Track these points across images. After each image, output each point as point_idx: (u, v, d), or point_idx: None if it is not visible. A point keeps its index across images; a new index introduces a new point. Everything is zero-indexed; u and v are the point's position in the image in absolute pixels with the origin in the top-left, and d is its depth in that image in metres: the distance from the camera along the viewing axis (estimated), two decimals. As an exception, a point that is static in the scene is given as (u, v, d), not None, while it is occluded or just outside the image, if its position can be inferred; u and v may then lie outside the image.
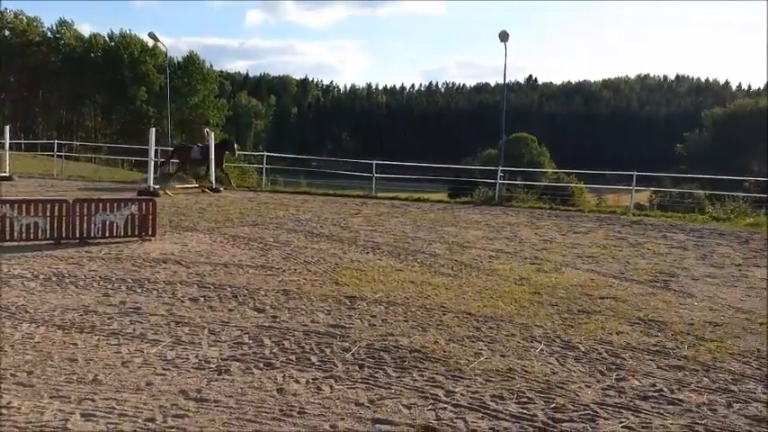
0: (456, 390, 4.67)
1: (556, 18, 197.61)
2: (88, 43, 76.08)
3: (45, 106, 76.29)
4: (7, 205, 9.96)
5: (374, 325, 6.23)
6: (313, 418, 4.14)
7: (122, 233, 10.46)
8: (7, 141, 23.17)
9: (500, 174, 20.24)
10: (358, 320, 6.34)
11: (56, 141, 27.24)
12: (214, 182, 19.64)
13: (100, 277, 7.83)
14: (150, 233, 10.64)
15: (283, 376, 4.82)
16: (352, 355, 5.33)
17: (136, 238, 10.50)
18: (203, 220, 12.89)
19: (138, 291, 7.27)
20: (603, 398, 4.64)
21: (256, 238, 10.97)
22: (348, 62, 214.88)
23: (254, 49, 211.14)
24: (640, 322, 6.65)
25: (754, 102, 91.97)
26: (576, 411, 4.38)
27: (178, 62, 75.63)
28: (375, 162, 21.77)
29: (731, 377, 5.15)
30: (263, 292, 7.30)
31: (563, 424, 4.18)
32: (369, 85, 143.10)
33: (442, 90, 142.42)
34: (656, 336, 6.20)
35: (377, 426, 4.06)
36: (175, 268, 8.48)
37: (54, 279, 7.68)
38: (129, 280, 7.74)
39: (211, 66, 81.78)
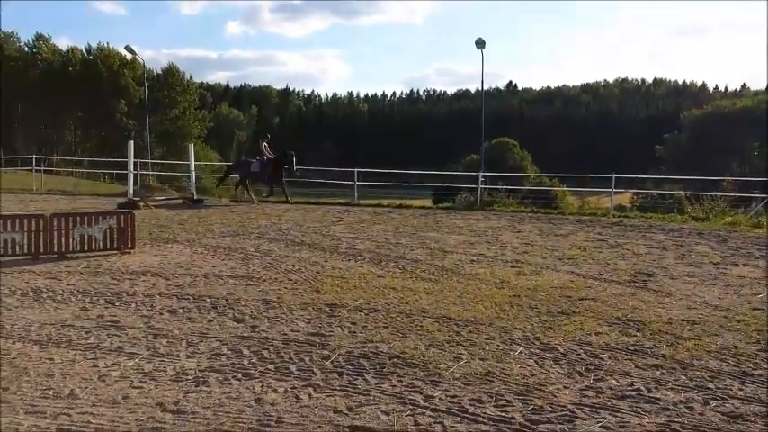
0: (435, 394, 4.68)
1: (532, 24, 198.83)
2: (66, 57, 75.48)
3: (24, 121, 75.46)
4: (-17, 221, 9.85)
5: (354, 332, 6.22)
6: (290, 427, 4.12)
7: (101, 246, 10.38)
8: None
9: (481, 179, 20.34)
10: (338, 328, 6.33)
11: (34, 156, 26.96)
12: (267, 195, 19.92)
13: (78, 291, 7.76)
14: (129, 246, 10.56)
15: (261, 386, 4.79)
16: (332, 362, 5.32)
17: (115, 252, 10.42)
18: (183, 232, 12.83)
19: (117, 304, 7.21)
20: (581, 398, 4.66)
21: (237, 249, 10.93)
22: (329, 71, 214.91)
23: (234, 59, 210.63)
24: (619, 322, 6.70)
25: (731, 102, 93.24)
26: (554, 412, 4.40)
27: (158, 74, 75.28)
28: (357, 170, 21.80)
29: (708, 375, 5.20)
30: (242, 302, 7.27)
31: (540, 425, 4.20)
32: (350, 94, 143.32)
33: (424, 97, 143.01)
34: (635, 335, 6.25)
35: (355, 432, 4.05)
36: (154, 280, 8.42)
37: (31, 294, 7.60)
38: (108, 293, 7.68)
39: (191, 77, 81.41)
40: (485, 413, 4.38)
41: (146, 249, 10.78)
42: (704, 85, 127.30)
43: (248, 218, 15.54)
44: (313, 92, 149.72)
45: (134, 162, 19.66)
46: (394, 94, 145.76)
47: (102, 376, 4.96)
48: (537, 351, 5.74)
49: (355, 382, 4.89)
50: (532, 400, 4.58)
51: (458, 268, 9.59)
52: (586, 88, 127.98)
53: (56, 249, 10.11)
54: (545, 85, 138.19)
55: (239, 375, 5.01)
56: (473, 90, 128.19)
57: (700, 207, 17.87)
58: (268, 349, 5.62)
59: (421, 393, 4.70)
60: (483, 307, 7.27)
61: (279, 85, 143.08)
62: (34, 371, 5.04)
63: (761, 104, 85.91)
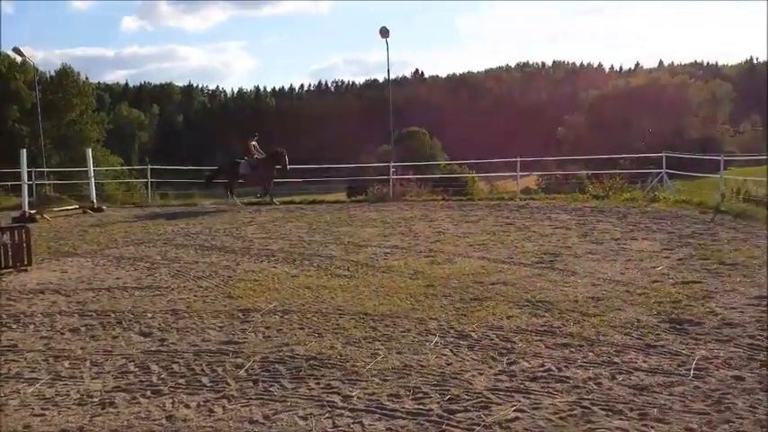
0: (353, 393, 4.65)
1: (435, 10, 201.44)
2: (-54, 62, 70.29)
3: None
4: None
5: (269, 337, 6.10)
6: (205, 442, 3.99)
7: (-6, 265, 9.72)
8: None
9: (392, 169, 20.48)
10: (252, 334, 6.19)
11: None
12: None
13: (-32, 316, 7.23)
14: (26, 262, 9.95)
15: (172, 402, 4.61)
16: (246, 371, 5.18)
17: (11, 270, 9.78)
18: (85, 243, 12.22)
19: (14, 326, 6.76)
20: (496, 383, 4.75)
21: (142, 258, 10.50)
22: (233, 65, 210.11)
23: (132, 57, 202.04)
24: (529, 304, 6.89)
25: (626, 81, 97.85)
26: (471, 400, 4.46)
27: (51, 76, 71.27)
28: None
29: (614, 349, 5.41)
30: (149, 315, 6.98)
31: (457, 415, 4.24)
32: (257, 88, 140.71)
33: (332, 89, 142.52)
34: (544, 316, 6.44)
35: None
36: (54, 298, 7.96)
37: None
38: (3, 316, 7.19)
39: (87, 78, 77.52)
40: (403, 408, 4.38)
41: (44, 265, 10.18)
42: (600, 65, 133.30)
43: (154, 224, 14.99)
44: (218, 87, 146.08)
45: (28, 172, 18.58)
46: (302, 86, 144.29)
47: (1, 406, 4.64)
48: (452, 340, 5.81)
49: (271, 389, 4.79)
50: (449, 390, 4.63)
51: (372, 262, 9.60)
52: (490, 73, 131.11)
53: (-58, 272, 9.40)
54: (451, 72, 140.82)
55: (148, 393, 4.80)
56: (381, 79, 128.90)
57: (600, 185, 18.69)
58: (178, 363, 5.42)
59: (339, 394, 4.65)
60: (398, 299, 7.30)
61: (181, 82, 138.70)
62: None
63: (654, 82, 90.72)
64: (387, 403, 4.47)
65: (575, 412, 4.22)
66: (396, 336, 5.97)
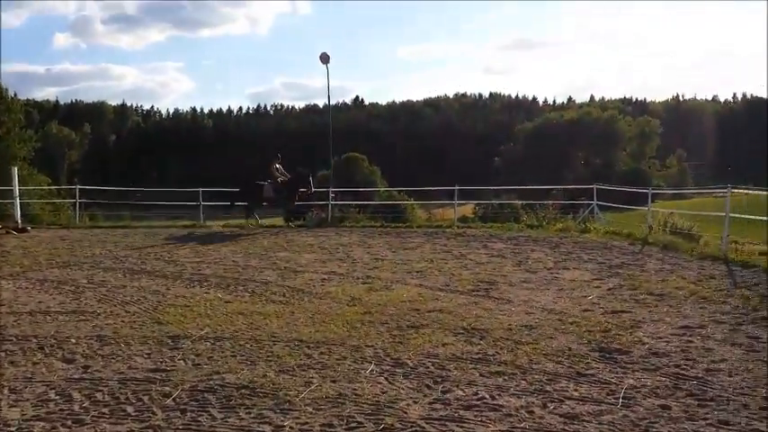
0: (285, 424, 4.53)
1: (375, 40, 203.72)
2: None
3: None
4: None
5: (199, 364, 5.91)
6: (127, 476, 3.80)
7: None
8: None
9: (331, 195, 20.43)
10: (181, 361, 5.99)
11: None
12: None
13: None
14: (-61, 285, 9.40)
15: (94, 433, 4.39)
16: (174, 399, 4.99)
17: None
18: (6, 265, 11.64)
19: None
20: (430, 412, 4.72)
21: (67, 281, 10.07)
22: (170, 86, 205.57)
23: (64, 74, 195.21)
24: (464, 332, 6.93)
25: (560, 115, 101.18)
26: (405, 429, 4.42)
27: (-24, 91, 68.37)
28: (201, 189, 21.05)
29: (546, 378, 5.48)
30: (73, 341, 6.67)
31: (391, 445, 4.19)
32: (193, 109, 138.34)
33: (271, 112, 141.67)
34: (479, 344, 6.48)
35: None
36: (-31, 323, 7.52)
37: None
38: None
39: (16, 94, 74.75)
40: (336, 438, 4.30)
41: (-40, 287, 9.64)
42: (535, 98, 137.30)
43: (81, 246, 14.43)
44: (153, 107, 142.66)
45: None
46: (240, 108, 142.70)
47: None
48: (388, 367, 5.77)
49: (200, 419, 4.62)
50: (383, 419, 4.57)
51: (309, 288, 9.49)
52: (429, 103, 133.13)
53: None
54: (390, 100, 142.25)
55: (69, 422, 4.56)
56: (321, 104, 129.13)
57: (534, 215, 19.13)
58: (102, 391, 5.18)
59: (270, 424, 4.53)
60: (335, 327, 7.22)
61: (115, 101, 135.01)
62: None
63: (586, 116, 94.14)
64: (320, 433, 4.38)
65: (508, 441, 4.23)
66: (331, 363, 5.89)
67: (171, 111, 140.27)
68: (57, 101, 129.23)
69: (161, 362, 5.97)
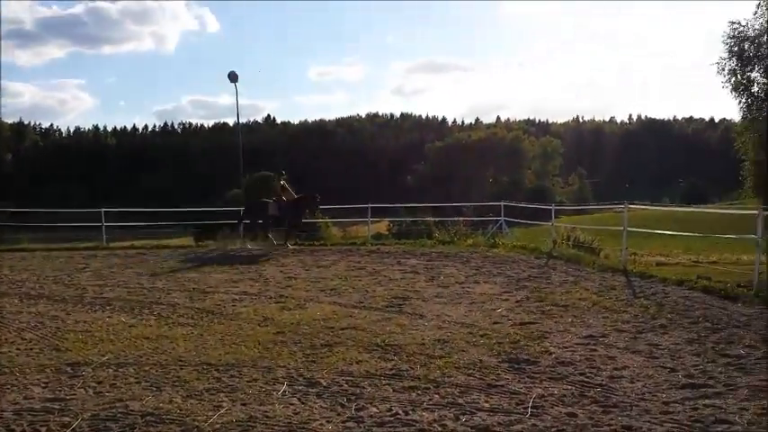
0: (193, 450, 4.36)
1: (285, 57, 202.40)
2: None
3: None
4: None
5: (100, 392, 5.61)
6: None
7: None
8: None
9: (242, 213, 20.00)
10: (81, 390, 5.66)
11: None
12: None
13: None
14: None
15: (-19, 472, 4.07)
16: (73, 430, 4.71)
17: None
18: None
19: None
20: (343, 431, 4.67)
21: (-45, 309, 9.37)
22: (70, 103, 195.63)
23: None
24: (378, 348, 6.92)
25: (468, 134, 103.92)
26: (318, 450, 4.34)
27: None
28: (104, 210, 20.17)
29: (458, 390, 5.54)
30: (-40, 373, 6.19)
31: (305, 467, 4.10)
32: (96, 127, 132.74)
33: (179, 130, 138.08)
34: (393, 360, 6.48)
35: None
36: None
37: None
38: None
39: None
40: (247, 463, 4.16)
41: None
42: (444, 119, 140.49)
43: (-28, 271, 13.49)
44: (52, 125, 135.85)
45: None
46: (146, 127, 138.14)
47: None
48: (301, 388, 5.67)
49: (100, 450, 4.38)
50: (296, 441, 4.48)
51: (219, 309, 9.23)
52: (342, 122, 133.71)
53: None
54: (303, 119, 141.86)
55: (-48, 463, 4.21)
56: (231, 123, 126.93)
57: (446, 231, 19.46)
58: (-8, 426, 4.82)
59: (177, 452, 4.34)
60: (246, 348, 7.04)
61: (11, 119, 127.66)
62: None
63: (492, 136, 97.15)
64: (230, 459, 4.23)
65: (421, 456, 4.23)
66: (241, 386, 5.72)
67: (72, 129, 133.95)
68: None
69: (59, 391, 5.63)
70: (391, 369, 6.16)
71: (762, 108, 25.83)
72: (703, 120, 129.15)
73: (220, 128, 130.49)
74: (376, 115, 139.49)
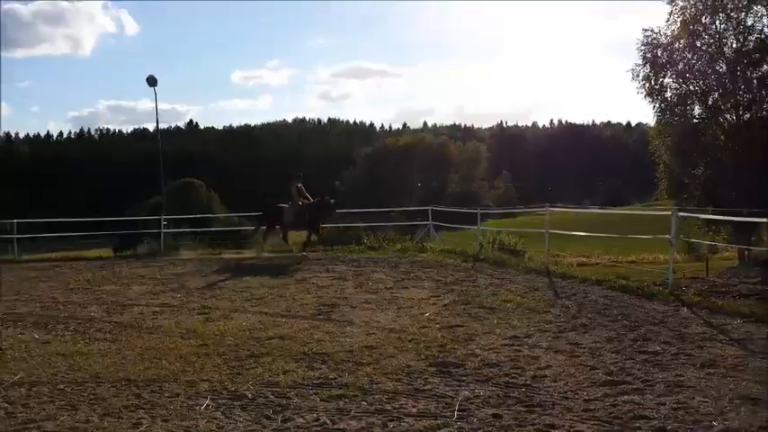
0: (109, 472, 4.15)
1: (207, 60, 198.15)
2: None
3: None
4: None
5: (12, 413, 5.30)
6: None
7: None
8: None
9: (164, 222, 19.47)
10: (-11, 412, 5.33)
11: None
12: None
13: None
14: None
15: None
16: (-23, 458, 4.42)
17: None
18: None
19: None
20: (269, 444, 4.56)
21: None
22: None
23: None
24: (305, 357, 6.82)
25: (396, 140, 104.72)
26: (243, 465, 4.22)
27: None
28: (16, 221, 19.17)
29: (386, 397, 5.51)
30: None
31: (228, 483, 3.98)
32: (7, 135, 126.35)
33: (97, 137, 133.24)
34: (320, 368, 6.40)
35: None
36: None
37: None
38: None
39: None
40: (167, 483, 4.00)
41: None
42: (372, 124, 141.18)
43: None
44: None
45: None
46: (61, 134, 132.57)
47: None
48: (225, 401, 5.52)
49: (7, 477, 4.11)
50: (219, 457, 4.34)
51: (139, 323, 8.90)
52: (268, 127, 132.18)
53: None
54: (227, 124, 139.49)
55: None
56: (152, 128, 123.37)
57: (374, 237, 19.48)
58: None
59: (92, 474, 4.13)
60: (167, 362, 6.80)
61: None
62: None
63: (420, 141, 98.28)
64: (149, 479, 4.06)
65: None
66: (162, 402, 5.52)
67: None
68: None
69: (-37, 416, 5.28)
70: (319, 378, 6.08)
71: (674, 113, 27.07)
72: (620, 124, 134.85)
73: (140, 134, 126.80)
74: (303, 120, 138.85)
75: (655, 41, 26.82)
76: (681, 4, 26.08)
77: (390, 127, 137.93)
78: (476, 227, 18.27)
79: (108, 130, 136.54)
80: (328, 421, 4.95)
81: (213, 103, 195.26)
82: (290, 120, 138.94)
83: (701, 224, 23.33)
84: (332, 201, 17.42)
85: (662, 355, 6.62)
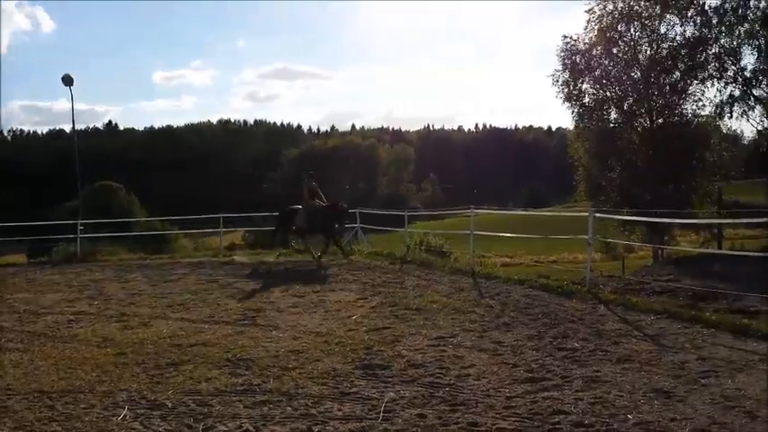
0: (17, 491, 3.94)
1: (130, 62, 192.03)
2: None
3: None
4: None
5: None
6: None
7: None
8: None
9: (80, 227, 18.70)
10: None
11: None
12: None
13: None
14: None
15: None
16: None
17: None
18: None
19: None
20: (190, 454, 4.44)
21: None
22: None
23: None
24: (229, 364, 6.68)
25: (324, 142, 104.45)
26: (162, 477, 4.09)
27: None
28: None
29: (311, 401, 5.47)
30: None
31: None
32: None
33: (9, 138, 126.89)
34: (244, 374, 6.29)
35: None
36: None
37: None
38: None
39: None
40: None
41: None
42: (299, 126, 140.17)
43: None
44: None
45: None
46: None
47: None
48: (143, 411, 5.34)
49: None
50: (137, 469, 4.19)
51: (53, 331, 8.51)
52: (191, 129, 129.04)
53: None
54: (149, 125, 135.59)
55: None
56: (69, 129, 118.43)
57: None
58: None
59: (-2, 494, 3.91)
60: (83, 372, 6.53)
61: None
62: None
63: (348, 144, 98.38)
64: (60, 496, 3.88)
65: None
66: (77, 414, 5.29)
67: None
68: None
69: None
70: (242, 384, 5.97)
71: (592, 117, 28.11)
72: (542, 128, 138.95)
73: (56, 135, 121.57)
74: (228, 122, 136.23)
75: (574, 48, 27.80)
76: (598, 12, 27.17)
77: (318, 129, 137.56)
78: (403, 229, 18.40)
79: (21, 130, 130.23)
80: (252, 428, 4.87)
81: (134, 104, 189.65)
82: (214, 121, 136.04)
83: (617, 225, 24.33)
84: (345, 206, 16.34)
85: (580, 352, 6.84)
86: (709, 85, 26.89)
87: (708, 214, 25.15)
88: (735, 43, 26.37)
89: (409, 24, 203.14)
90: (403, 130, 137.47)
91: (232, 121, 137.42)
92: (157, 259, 17.42)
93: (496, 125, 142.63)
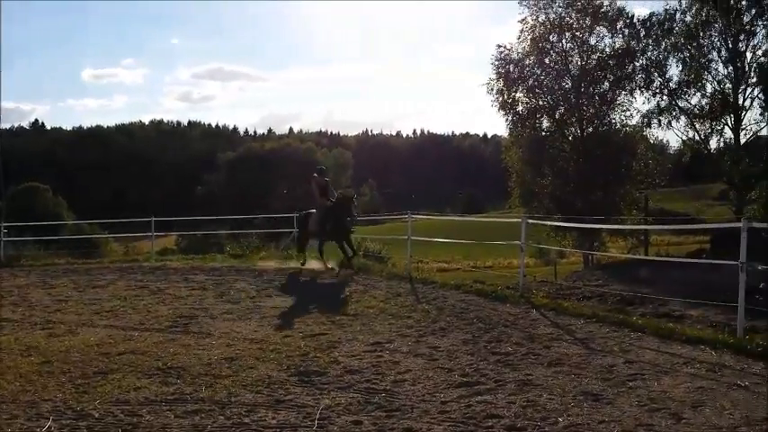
0: None
1: (57, 59, 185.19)
2: None
3: None
4: None
5: None
6: None
7: None
8: None
9: (4, 230, 17.88)
10: None
11: None
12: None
13: None
14: None
15: None
16: None
17: None
18: None
19: None
20: (117, 467, 4.30)
21: None
22: None
23: None
24: (159, 372, 6.50)
25: (261, 144, 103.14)
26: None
27: None
28: None
29: (245, 410, 5.37)
30: None
31: None
32: None
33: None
34: (175, 383, 6.13)
35: None
36: None
37: None
38: None
39: None
40: None
41: None
42: (235, 128, 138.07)
43: None
44: None
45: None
46: None
47: None
48: (69, 422, 5.14)
49: None
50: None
51: (-29, 340, 8.09)
52: (122, 129, 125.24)
53: None
54: (77, 125, 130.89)
55: None
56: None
57: (237, 245, 19.06)
58: None
59: None
60: (5, 382, 6.24)
61: None
62: None
63: (286, 147, 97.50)
64: None
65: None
66: (-3, 426, 5.04)
67: None
68: None
69: None
70: (173, 393, 5.82)
71: (525, 125, 28.82)
72: (478, 135, 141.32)
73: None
74: (161, 122, 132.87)
75: (507, 57, 28.47)
76: (531, 22, 27.93)
77: (255, 132, 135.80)
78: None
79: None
80: (182, 438, 4.75)
81: (62, 103, 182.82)
82: (146, 121, 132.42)
83: (549, 230, 24.99)
84: (351, 194, 15.07)
85: (513, 356, 6.97)
86: (636, 96, 28.06)
87: (635, 221, 26.14)
88: (661, 56, 27.56)
89: (349, 25, 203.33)
90: (341, 134, 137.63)
91: (165, 121, 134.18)
92: (85, 264, 16.80)
93: (434, 131, 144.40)
